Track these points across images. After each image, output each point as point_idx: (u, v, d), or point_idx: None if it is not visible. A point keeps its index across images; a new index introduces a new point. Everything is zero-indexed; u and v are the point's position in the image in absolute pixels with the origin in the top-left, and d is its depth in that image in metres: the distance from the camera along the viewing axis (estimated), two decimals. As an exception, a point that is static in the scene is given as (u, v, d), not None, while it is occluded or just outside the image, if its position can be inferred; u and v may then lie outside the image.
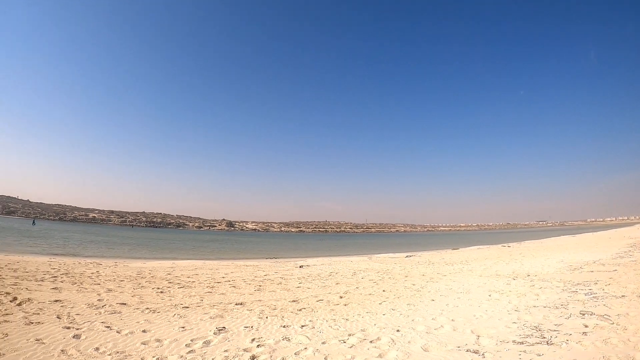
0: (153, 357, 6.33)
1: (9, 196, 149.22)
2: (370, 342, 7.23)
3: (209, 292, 12.94)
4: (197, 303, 10.94)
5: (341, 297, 12.25)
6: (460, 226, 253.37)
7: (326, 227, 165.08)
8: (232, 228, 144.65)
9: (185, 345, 6.98)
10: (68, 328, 7.93)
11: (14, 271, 15.73)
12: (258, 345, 6.92)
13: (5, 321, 8.20)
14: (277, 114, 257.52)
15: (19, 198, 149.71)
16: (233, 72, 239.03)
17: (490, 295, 11.55)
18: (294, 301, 11.41)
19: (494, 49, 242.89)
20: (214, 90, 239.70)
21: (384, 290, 13.48)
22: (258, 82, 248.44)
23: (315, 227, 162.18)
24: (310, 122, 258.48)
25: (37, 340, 7.07)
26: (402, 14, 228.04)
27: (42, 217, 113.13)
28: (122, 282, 14.42)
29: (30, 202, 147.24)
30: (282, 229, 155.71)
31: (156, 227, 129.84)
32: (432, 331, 7.89)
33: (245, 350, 6.70)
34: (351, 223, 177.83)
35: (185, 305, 10.49)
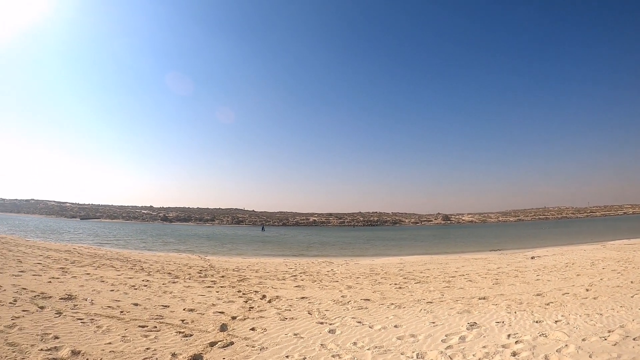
0: (412, 352, 6.32)
1: (236, 208, 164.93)
2: (634, 339, 6.50)
3: (446, 286, 12.80)
4: (439, 298, 10.87)
5: (587, 290, 11.32)
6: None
7: (546, 213, 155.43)
8: (448, 221, 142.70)
9: (441, 340, 6.88)
10: (321, 323, 8.32)
11: (256, 272, 17.12)
12: (516, 342, 6.59)
13: (261, 317, 8.87)
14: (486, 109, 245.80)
15: (245, 209, 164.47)
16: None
17: None
18: (538, 295, 10.79)
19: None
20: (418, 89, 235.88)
21: (632, 282, 12.18)
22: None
23: (534, 215, 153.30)
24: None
25: (295, 334, 7.48)
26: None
27: (267, 223, 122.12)
28: (358, 279, 14.95)
29: (255, 211, 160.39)
30: (500, 219, 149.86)
31: (373, 225, 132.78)
32: (702, 329, 6.97)
33: (503, 346, 6.42)
34: (572, 208, 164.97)
35: (429, 301, 10.47)
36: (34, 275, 12.56)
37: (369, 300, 10.83)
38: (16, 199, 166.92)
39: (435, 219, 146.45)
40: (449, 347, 6.53)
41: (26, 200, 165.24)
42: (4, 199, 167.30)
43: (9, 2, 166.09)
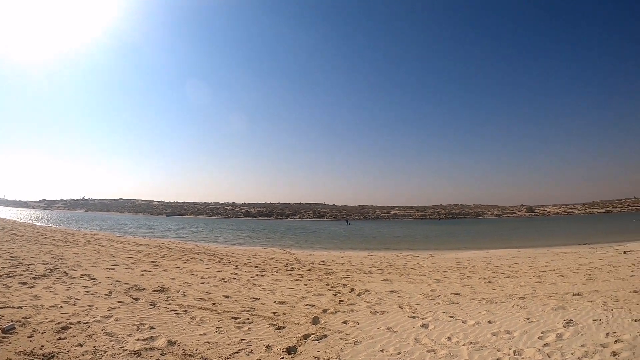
0: (509, 349, 6.31)
1: (317, 203, 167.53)
2: None
3: (538, 281, 12.53)
4: (531, 293, 10.67)
5: (687, 287, 10.88)
6: None
7: (636, 204, 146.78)
8: (533, 213, 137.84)
9: (538, 337, 6.81)
10: (414, 317, 8.38)
11: (342, 265, 17.36)
12: (615, 341, 6.46)
13: (352, 310, 9.02)
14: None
15: (326, 204, 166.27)
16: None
17: None
18: (634, 292, 10.33)
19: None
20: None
21: None
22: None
23: (623, 206, 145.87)
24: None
25: (388, 328, 7.57)
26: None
27: (348, 217, 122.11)
28: (446, 273, 14.91)
29: (336, 206, 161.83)
30: (587, 210, 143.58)
31: (454, 218, 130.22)
32: None
33: (602, 345, 6.30)
34: None
35: (521, 296, 10.30)
36: (126, 268, 13.36)
37: (459, 294, 10.81)
38: (105, 199, 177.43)
39: (519, 211, 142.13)
40: (546, 344, 6.46)
41: (115, 200, 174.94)
42: (94, 199, 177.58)
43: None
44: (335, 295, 10.78)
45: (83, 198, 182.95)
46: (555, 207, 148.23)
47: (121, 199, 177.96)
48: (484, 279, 13.40)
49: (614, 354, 5.97)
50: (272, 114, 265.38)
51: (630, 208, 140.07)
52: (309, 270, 15.56)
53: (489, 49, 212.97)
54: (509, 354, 6.11)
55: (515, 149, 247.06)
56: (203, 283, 11.70)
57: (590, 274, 13.58)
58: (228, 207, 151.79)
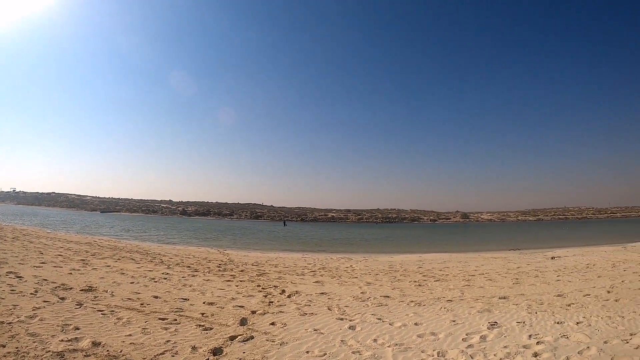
0: (433, 350, 6.34)
1: (255, 203, 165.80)
2: (657, 343, 6.49)
3: (466, 285, 12.79)
4: (459, 296, 10.86)
5: (609, 292, 11.18)
6: None
7: (566, 213, 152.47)
8: (467, 220, 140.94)
9: (462, 339, 6.89)
10: (341, 319, 8.37)
11: (275, 266, 17.23)
12: (537, 342, 6.57)
13: (281, 312, 8.94)
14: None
15: (264, 204, 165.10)
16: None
17: None
18: (559, 295, 10.71)
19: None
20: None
21: (654, 285, 12.13)
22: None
23: (554, 215, 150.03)
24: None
25: (315, 330, 7.54)
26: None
27: (285, 218, 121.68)
28: (377, 276, 14.96)
29: (274, 207, 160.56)
30: (519, 218, 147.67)
31: (391, 222, 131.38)
32: None
33: (524, 346, 6.41)
34: (593, 208, 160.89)
35: (449, 299, 10.47)
36: (54, 266, 12.73)
37: (388, 297, 10.86)
38: (37, 192, 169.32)
39: (454, 217, 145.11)
40: (469, 346, 6.54)
41: (47, 194, 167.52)
42: (25, 192, 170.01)
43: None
44: (265, 296, 10.66)
45: (14, 190, 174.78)
46: (489, 214, 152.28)
47: (54, 192, 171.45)
48: (415, 282, 13.53)
49: (535, 355, 6.06)
50: (208, 112, 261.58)
51: (560, 217, 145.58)
52: (242, 271, 15.33)
53: (435, 54, 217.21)
54: (433, 355, 6.13)
55: (451, 157, 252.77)
56: (133, 283, 11.31)
57: (517, 278, 13.95)
58: (164, 205, 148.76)
